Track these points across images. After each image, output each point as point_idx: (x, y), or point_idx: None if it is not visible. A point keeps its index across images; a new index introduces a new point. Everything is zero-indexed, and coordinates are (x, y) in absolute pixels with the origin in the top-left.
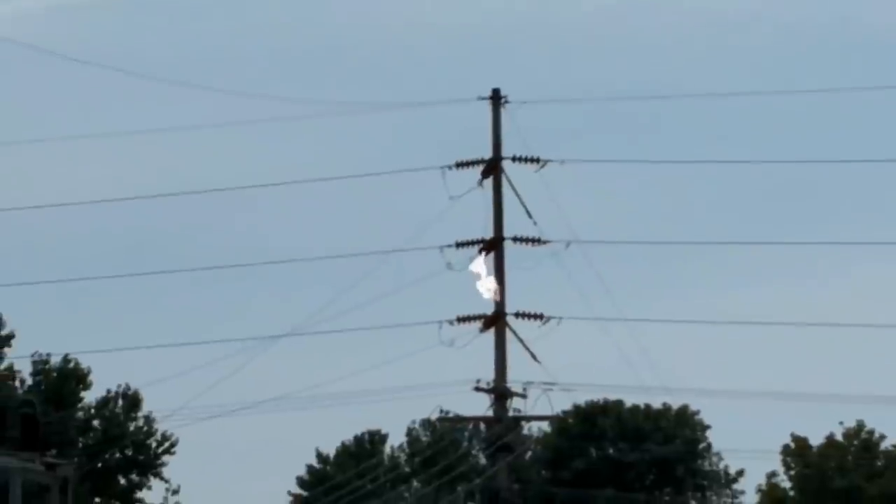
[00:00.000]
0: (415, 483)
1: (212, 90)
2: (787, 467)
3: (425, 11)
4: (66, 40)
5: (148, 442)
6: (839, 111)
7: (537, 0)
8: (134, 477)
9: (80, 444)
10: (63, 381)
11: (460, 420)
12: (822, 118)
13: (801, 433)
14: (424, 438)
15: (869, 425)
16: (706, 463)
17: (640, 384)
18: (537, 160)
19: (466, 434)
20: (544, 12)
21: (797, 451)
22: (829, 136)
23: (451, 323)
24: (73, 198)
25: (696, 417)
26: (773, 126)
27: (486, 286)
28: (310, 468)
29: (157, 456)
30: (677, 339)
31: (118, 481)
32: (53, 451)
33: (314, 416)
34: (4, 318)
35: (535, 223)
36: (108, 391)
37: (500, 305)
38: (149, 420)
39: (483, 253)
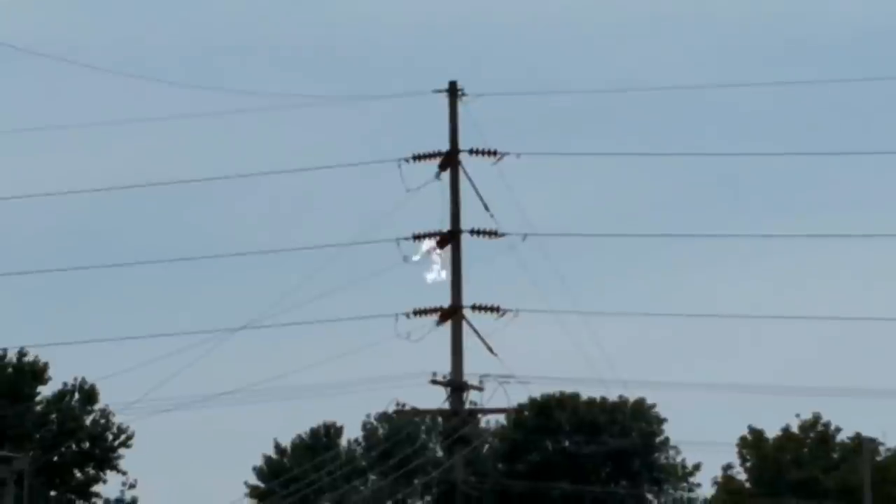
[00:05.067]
0: (371, 476)
1: (166, 83)
2: (744, 459)
3: (382, 4)
4: (24, 33)
5: (104, 435)
6: (799, 104)
7: None
8: (90, 470)
9: (37, 438)
10: (19, 375)
11: (417, 413)
12: (783, 111)
13: (757, 425)
14: (381, 431)
15: (825, 418)
16: (663, 456)
17: (597, 377)
18: (494, 153)
19: (423, 427)
20: (501, 5)
21: (753, 444)
22: (788, 129)
23: (407, 316)
24: (28, 190)
25: (653, 411)
26: (731, 119)
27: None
28: (267, 460)
29: (114, 449)
30: (633, 331)
31: (74, 475)
32: (9, 445)
33: (271, 408)
34: None
35: (492, 216)
36: (65, 384)
37: (456, 298)
38: (105, 413)
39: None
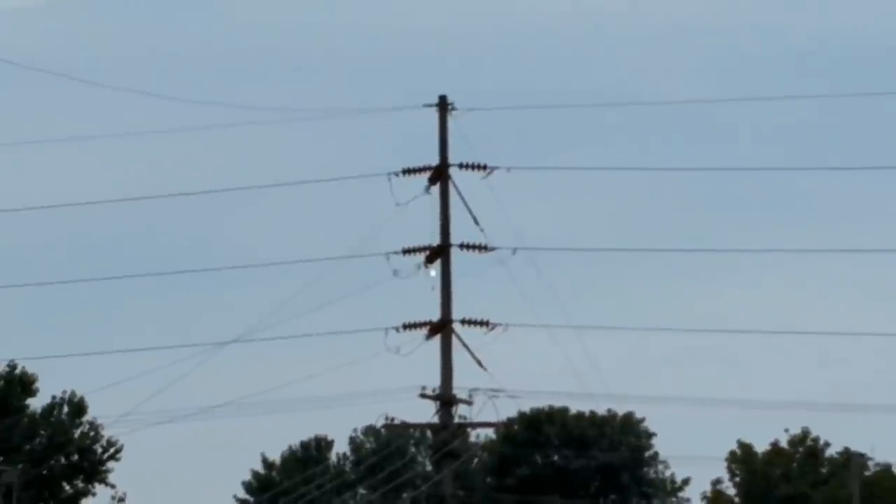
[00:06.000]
0: (360, 490)
1: (158, 97)
2: (733, 474)
3: (372, 18)
4: (18, 46)
5: (93, 448)
6: (793, 117)
7: (484, 7)
8: (79, 483)
9: (26, 450)
10: (8, 387)
11: (406, 427)
12: (773, 126)
13: (746, 440)
14: (368, 446)
15: (814, 433)
16: (652, 471)
17: (586, 391)
18: (484, 167)
19: (412, 441)
20: (491, 20)
21: (743, 458)
22: (781, 144)
23: (397, 330)
24: (19, 203)
25: (642, 425)
26: (722, 132)
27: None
28: (256, 474)
29: (102, 462)
30: (623, 346)
31: (63, 488)
32: None
33: (260, 422)
34: None
35: (481, 230)
36: (54, 397)
37: (446, 312)
38: (94, 426)
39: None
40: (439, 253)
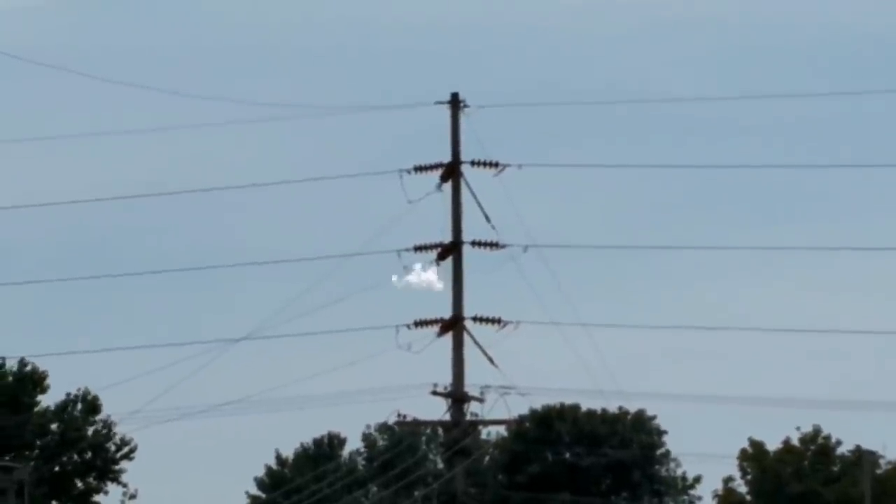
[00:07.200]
0: (372, 487)
1: (167, 92)
2: (744, 472)
3: (384, 14)
4: (20, 42)
5: (106, 445)
6: (798, 116)
7: (496, 4)
8: (91, 481)
9: (38, 447)
10: (19, 384)
11: (418, 424)
12: (784, 123)
13: (758, 438)
14: (382, 442)
15: (825, 430)
16: (663, 468)
17: (597, 388)
18: (496, 164)
19: (423, 438)
20: (502, 16)
21: (754, 456)
22: (792, 141)
23: (408, 327)
24: (29, 200)
25: (653, 422)
26: (733, 130)
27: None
28: (269, 470)
29: (115, 461)
30: (634, 343)
31: (75, 485)
32: (10, 455)
33: (273, 419)
34: None
35: (493, 227)
36: (68, 395)
37: (457, 310)
38: (107, 424)
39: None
40: (451, 250)
